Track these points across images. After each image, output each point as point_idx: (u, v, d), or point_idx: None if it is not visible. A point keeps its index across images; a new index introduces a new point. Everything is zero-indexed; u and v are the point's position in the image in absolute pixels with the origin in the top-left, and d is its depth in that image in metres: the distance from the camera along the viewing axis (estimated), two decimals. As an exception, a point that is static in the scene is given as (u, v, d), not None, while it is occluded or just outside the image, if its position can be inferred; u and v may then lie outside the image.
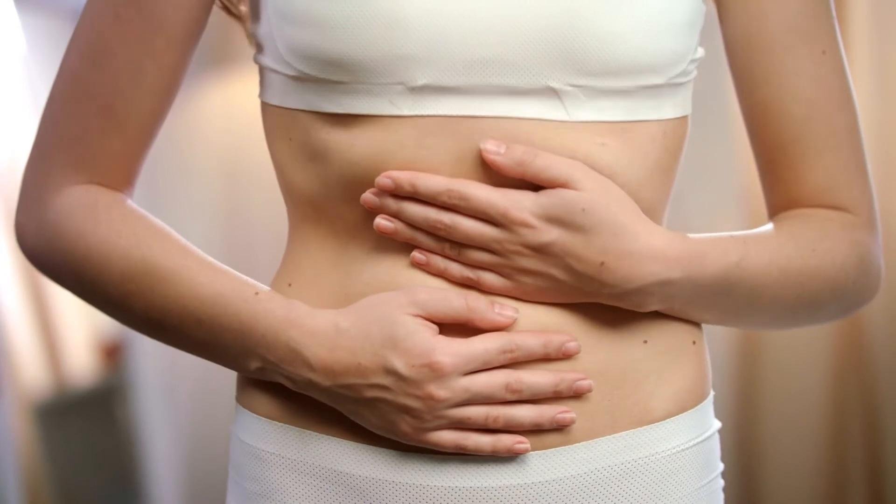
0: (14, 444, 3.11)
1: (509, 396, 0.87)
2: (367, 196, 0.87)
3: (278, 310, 0.89)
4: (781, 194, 0.99)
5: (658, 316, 0.92)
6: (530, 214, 0.85)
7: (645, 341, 0.92)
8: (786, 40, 0.95)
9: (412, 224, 0.87)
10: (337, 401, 0.88)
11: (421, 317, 0.86)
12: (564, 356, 0.88)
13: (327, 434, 0.91)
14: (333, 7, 0.85)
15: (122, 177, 0.95)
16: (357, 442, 0.90)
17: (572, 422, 0.88)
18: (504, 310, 0.88)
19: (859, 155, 0.98)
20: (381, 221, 0.87)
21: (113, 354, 3.70)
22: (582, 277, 0.87)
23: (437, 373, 0.85)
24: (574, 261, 0.86)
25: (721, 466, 0.98)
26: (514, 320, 0.88)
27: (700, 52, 0.93)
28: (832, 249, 0.95)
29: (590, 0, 0.85)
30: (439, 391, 0.85)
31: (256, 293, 0.90)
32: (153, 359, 2.81)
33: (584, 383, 0.88)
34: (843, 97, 0.97)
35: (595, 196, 0.86)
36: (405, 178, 0.86)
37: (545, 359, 0.88)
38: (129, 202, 0.95)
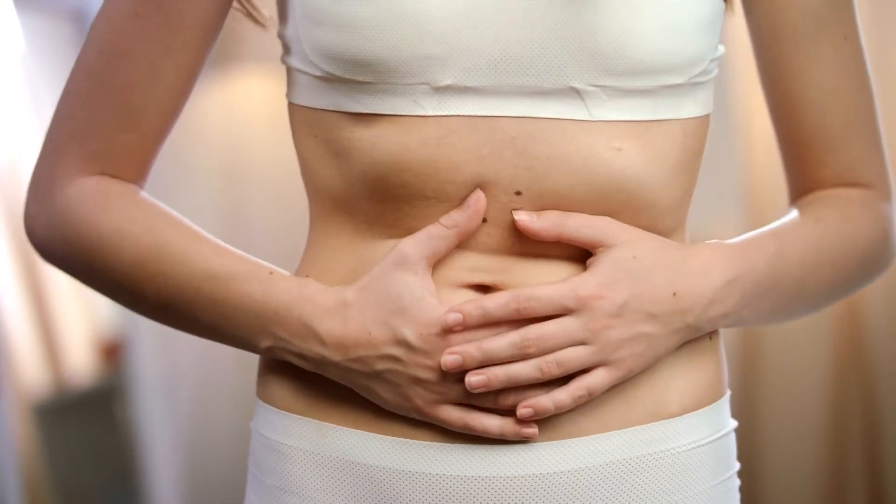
0: (14, 444, 3.11)
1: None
2: (450, 360, 0.85)
3: (292, 287, 0.90)
4: (805, 177, 1.01)
5: None
6: (597, 286, 0.86)
7: None
8: (810, 28, 0.97)
9: (499, 361, 0.85)
10: (349, 377, 0.89)
11: (419, 266, 0.87)
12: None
13: (343, 425, 0.91)
14: (360, 8, 0.85)
15: (135, 170, 0.96)
16: (372, 432, 0.90)
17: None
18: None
19: (876, 132, 1.01)
20: (473, 379, 0.85)
21: (113, 354, 3.70)
22: (665, 319, 0.87)
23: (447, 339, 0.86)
24: (652, 305, 0.87)
25: (737, 465, 0.98)
26: (484, 206, 0.87)
27: (720, 49, 0.93)
28: (857, 227, 0.98)
29: (613, 0, 0.85)
30: None
31: (271, 273, 0.91)
32: (153, 359, 2.81)
33: None
34: (863, 79, 1.01)
35: (635, 242, 0.88)
36: (469, 306, 0.85)
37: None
38: (141, 192, 0.96)
